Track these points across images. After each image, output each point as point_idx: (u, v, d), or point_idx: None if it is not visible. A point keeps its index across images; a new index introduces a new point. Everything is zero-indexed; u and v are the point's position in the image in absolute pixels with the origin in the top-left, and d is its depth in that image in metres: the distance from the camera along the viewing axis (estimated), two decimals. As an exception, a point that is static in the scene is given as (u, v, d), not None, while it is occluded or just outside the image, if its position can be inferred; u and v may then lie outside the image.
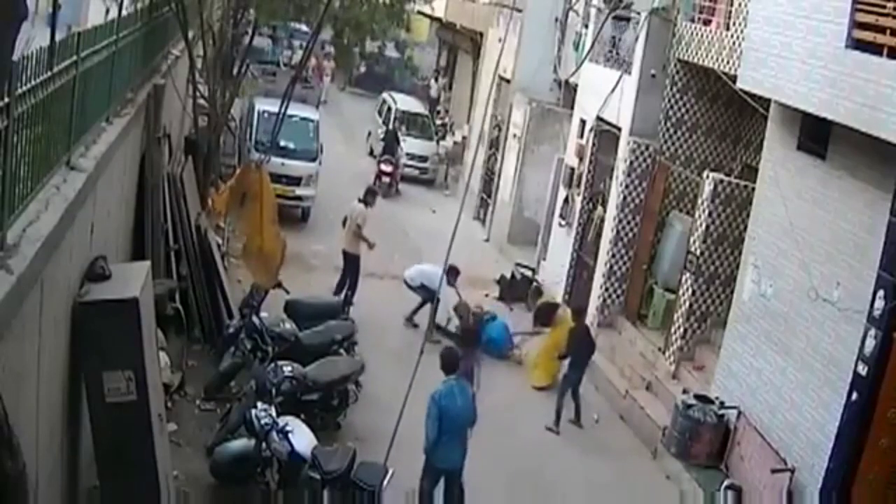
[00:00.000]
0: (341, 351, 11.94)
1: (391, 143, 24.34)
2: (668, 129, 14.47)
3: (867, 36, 8.80)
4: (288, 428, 9.35)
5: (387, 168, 23.65)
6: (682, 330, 12.97)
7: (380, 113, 27.78)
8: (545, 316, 14.72)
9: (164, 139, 12.17)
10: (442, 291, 13.71)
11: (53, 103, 6.17)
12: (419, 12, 28.72)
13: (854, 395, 9.20)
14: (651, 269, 14.55)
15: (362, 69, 37.02)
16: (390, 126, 25.75)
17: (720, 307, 12.80)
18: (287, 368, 10.62)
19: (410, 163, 25.36)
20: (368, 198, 15.80)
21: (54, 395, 6.56)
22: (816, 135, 10.23)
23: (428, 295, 14.59)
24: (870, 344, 9.05)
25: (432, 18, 33.76)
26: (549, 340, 14.11)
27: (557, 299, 16.00)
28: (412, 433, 9.24)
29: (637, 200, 14.70)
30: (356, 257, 15.54)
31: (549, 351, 13.87)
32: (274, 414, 9.54)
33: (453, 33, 32.02)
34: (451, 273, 14.50)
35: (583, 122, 16.44)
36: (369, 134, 28.10)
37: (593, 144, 15.98)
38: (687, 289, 12.97)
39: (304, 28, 25.46)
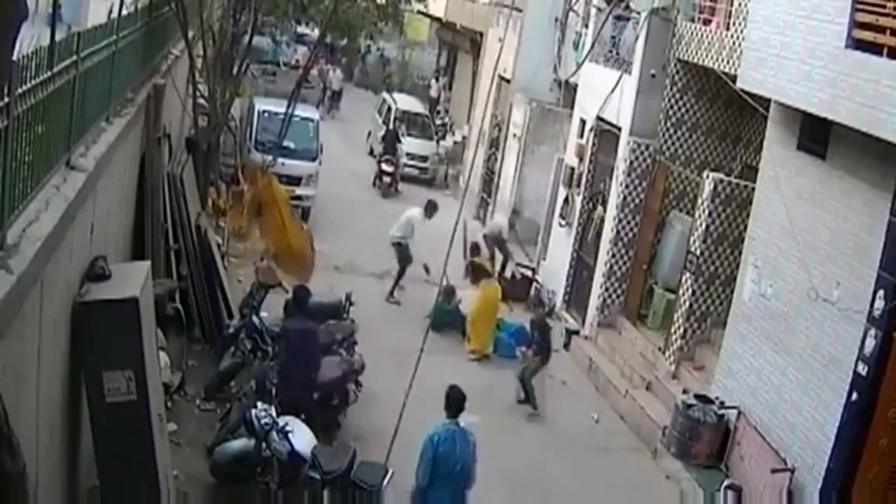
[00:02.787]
0: (341, 351, 11.94)
1: (392, 142, 24.34)
2: (668, 129, 14.47)
3: (867, 36, 8.79)
4: (288, 428, 9.35)
5: (388, 168, 23.67)
6: (682, 330, 12.97)
7: (380, 113, 27.78)
8: (474, 274, 15.29)
9: (164, 139, 12.17)
10: (416, 240, 15.86)
11: (53, 103, 6.17)
12: (419, 12, 28.78)
13: (854, 395, 9.20)
14: (651, 269, 14.56)
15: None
16: (390, 126, 25.75)
17: (720, 307, 12.80)
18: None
19: (411, 163, 25.35)
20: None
21: (54, 395, 6.56)
22: (816, 135, 10.22)
23: (402, 255, 16.05)
24: (870, 344, 9.05)
25: (432, 18, 33.78)
26: (475, 306, 14.71)
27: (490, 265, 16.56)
28: (413, 433, 9.22)
29: (637, 200, 14.71)
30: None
31: (480, 315, 14.52)
32: (274, 414, 9.54)
33: (453, 33, 32.04)
34: (429, 208, 16.19)
35: (583, 122, 16.43)
36: (369, 134, 28.10)
37: (593, 144, 15.98)
38: (687, 289, 12.97)
39: (300, 29, 25.52)
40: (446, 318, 14.89)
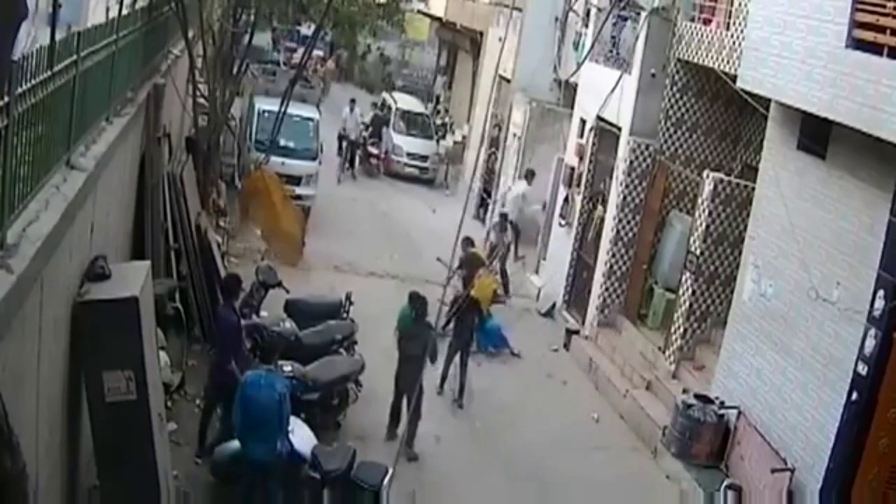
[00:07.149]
0: (341, 351, 11.94)
1: (378, 126, 24.96)
2: (668, 129, 14.46)
3: (867, 36, 8.79)
4: (288, 428, 9.34)
5: (374, 150, 24.40)
6: (682, 330, 12.97)
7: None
8: (468, 267, 14.89)
9: (164, 139, 12.17)
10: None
11: (53, 103, 6.17)
12: (419, 11, 28.80)
13: (854, 395, 9.20)
14: (651, 268, 14.55)
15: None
16: (379, 112, 26.46)
17: (720, 307, 12.79)
18: (287, 368, 10.62)
19: (411, 162, 25.40)
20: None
21: (54, 395, 6.56)
22: (816, 135, 10.22)
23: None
24: (870, 344, 9.04)
25: (432, 18, 33.79)
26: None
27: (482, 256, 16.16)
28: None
29: (637, 200, 14.70)
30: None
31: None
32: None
33: (453, 33, 32.02)
34: (529, 175, 18.28)
35: (583, 121, 16.44)
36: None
37: (593, 144, 15.98)
38: (687, 289, 12.97)
39: (302, 30, 25.58)
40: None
